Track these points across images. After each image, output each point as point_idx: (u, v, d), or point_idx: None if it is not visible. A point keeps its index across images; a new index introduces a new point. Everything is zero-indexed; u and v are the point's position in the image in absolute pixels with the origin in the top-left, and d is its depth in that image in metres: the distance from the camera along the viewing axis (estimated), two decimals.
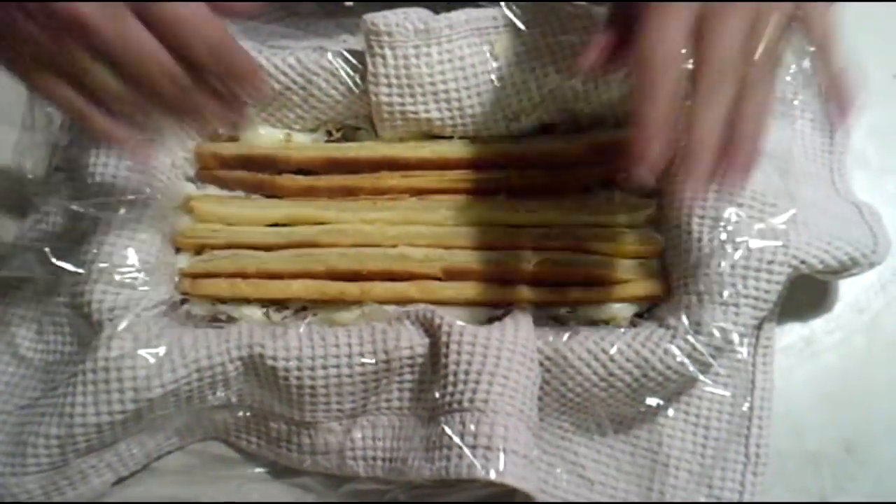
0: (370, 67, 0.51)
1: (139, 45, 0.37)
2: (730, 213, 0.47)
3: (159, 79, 0.38)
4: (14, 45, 0.36)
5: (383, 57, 0.51)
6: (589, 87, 0.52)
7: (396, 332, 0.46)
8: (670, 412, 0.48)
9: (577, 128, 0.54)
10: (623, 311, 0.49)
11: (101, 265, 0.47)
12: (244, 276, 0.50)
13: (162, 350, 0.45)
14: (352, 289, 0.49)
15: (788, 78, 0.54)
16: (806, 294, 0.52)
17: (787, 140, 0.53)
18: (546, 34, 0.52)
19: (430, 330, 0.46)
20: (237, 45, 0.38)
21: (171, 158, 0.52)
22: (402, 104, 0.52)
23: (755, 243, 0.46)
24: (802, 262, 0.46)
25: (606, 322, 0.49)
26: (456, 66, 0.51)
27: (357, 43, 0.54)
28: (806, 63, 0.57)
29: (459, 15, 0.52)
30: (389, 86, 0.51)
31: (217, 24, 0.38)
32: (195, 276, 0.51)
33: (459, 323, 0.45)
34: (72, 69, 0.37)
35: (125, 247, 0.48)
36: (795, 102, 0.54)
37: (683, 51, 0.36)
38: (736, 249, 0.46)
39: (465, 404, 0.43)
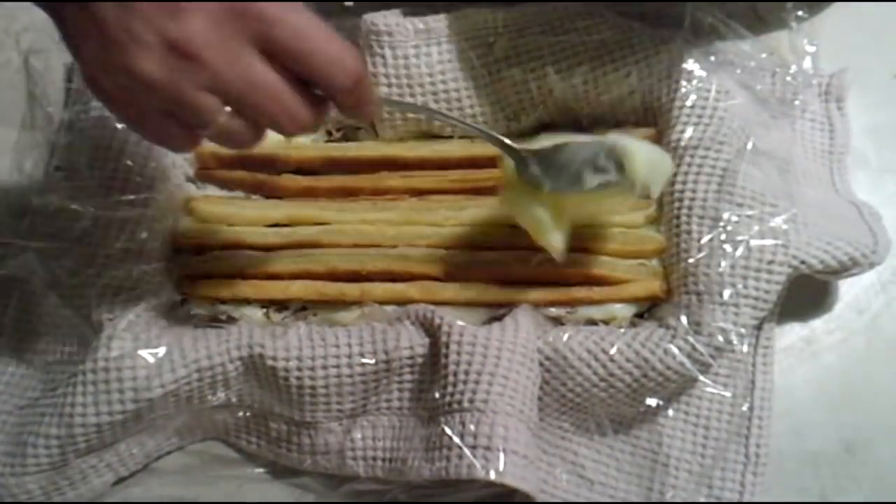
0: (370, 67, 0.51)
1: (265, 88, 0.36)
2: (730, 213, 0.47)
3: (281, 118, 0.37)
4: (137, 95, 0.35)
5: (383, 56, 0.51)
6: (589, 86, 0.52)
7: (396, 332, 0.46)
8: (670, 412, 0.48)
9: (577, 128, 0.54)
10: (623, 311, 0.49)
11: (101, 265, 0.47)
12: (244, 276, 0.50)
13: (162, 350, 0.45)
14: (352, 289, 0.49)
15: (788, 78, 0.54)
16: (806, 294, 0.52)
17: (788, 140, 0.53)
18: (546, 34, 0.52)
19: (430, 330, 0.46)
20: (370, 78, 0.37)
21: (171, 158, 0.52)
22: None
23: (755, 243, 0.46)
24: (802, 262, 0.46)
25: (606, 322, 0.49)
26: (456, 67, 0.51)
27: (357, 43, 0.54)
28: (806, 63, 0.57)
29: (459, 15, 0.52)
30: (389, 85, 0.51)
31: (358, 60, 0.37)
32: (195, 276, 0.51)
33: (459, 323, 0.45)
34: (188, 114, 0.36)
35: (125, 247, 0.48)
36: (795, 102, 0.54)
37: None
38: (736, 249, 0.46)
39: (465, 404, 0.43)
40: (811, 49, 0.57)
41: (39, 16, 0.58)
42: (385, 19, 0.51)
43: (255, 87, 0.35)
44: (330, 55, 0.36)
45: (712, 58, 0.52)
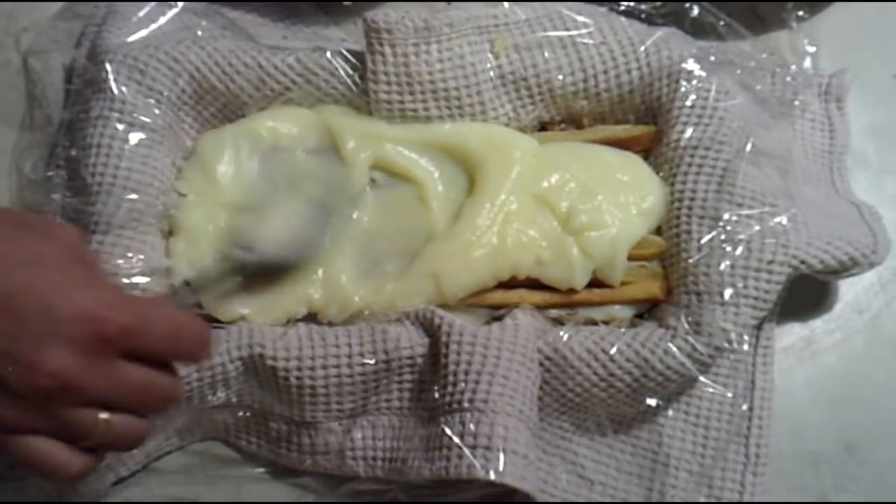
0: (370, 65, 0.51)
1: (140, 387, 0.36)
2: (730, 212, 0.47)
3: (160, 405, 0.38)
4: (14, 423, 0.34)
5: (383, 55, 0.51)
6: (589, 84, 0.52)
7: (396, 332, 0.46)
8: (670, 412, 0.48)
9: (577, 126, 0.54)
10: (623, 311, 0.49)
11: (101, 265, 0.47)
12: None
13: None
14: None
15: (788, 78, 0.54)
16: (806, 294, 0.52)
17: (788, 140, 0.53)
18: (546, 31, 0.52)
19: (430, 330, 0.46)
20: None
21: (170, 158, 0.52)
22: (402, 102, 0.52)
23: (755, 243, 0.46)
24: (802, 262, 0.46)
25: (606, 322, 0.49)
26: (456, 64, 0.51)
27: (356, 43, 0.54)
28: (806, 63, 0.57)
29: (460, 13, 0.52)
30: (389, 83, 0.51)
31: (205, 331, 0.38)
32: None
33: (459, 323, 0.45)
34: (68, 431, 0.35)
35: (125, 247, 0.48)
36: (795, 102, 0.55)
37: None
38: (736, 249, 0.46)
39: (465, 404, 0.43)
40: (811, 49, 0.57)
41: (39, 16, 0.59)
42: (385, 17, 0.51)
43: (131, 389, 0.36)
44: (186, 341, 0.37)
45: (712, 58, 0.52)
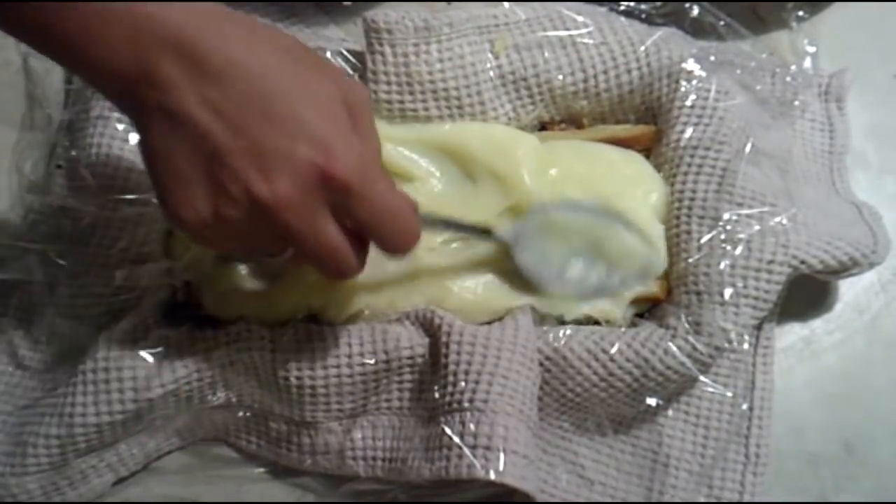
0: (370, 65, 0.51)
1: (330, 248, 0.38)
2: (729, 212, 0.47)
3: (332, 271, 0.39)
4: (215, 228, 0.37)
5: (383, 54, 0.51)
6: (589, 84, 0.52)
7: (396, 332, 0.46)
8: (670, 412, 0.48)
9: (576, 126, 0.54)
10: (623, 311, 0.49)
11: (101, 265, 0.47)
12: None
13: (162, 350, 0.45)
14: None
15: (788, 78, 0.54)
16: (806, 294, 0.52)
17: (788, 140, 0.53)
18: (546, 31, 0.52)
19: (430, 330, 0.46)
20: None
21: None
22: (402, 102, 0.52)
23: (755, 243, 0.46)
24: (802, 262, 0.46)
25: (606, 322, 0.49)
26: (456, 64, 0.51)
27: (356, 43, 0.54)
28: (806, 63, 0.57)
29: (459, 13, 0.52)
30: (389, 83, 0.51)
31: (418, 229, 0.40)
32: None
33: (459, 322, 0.45)
34: (258, 249, 0.39)
35: (125, 246, 0.48)
36: (795, 102, 0.55)
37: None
38: (735, 249, 0.46)
39: (465, 404, 0.43)
40: (811, 49, 0.57)
41: None
42: (385, 17, 0.51)
43: (321, 247, 0.38)
44: (398, 231, 0.39)
45: (712, 58, 0.52)
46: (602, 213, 0.48)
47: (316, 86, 0.37)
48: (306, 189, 0.35)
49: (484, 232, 0.47)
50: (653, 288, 0.49)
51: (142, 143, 0.37)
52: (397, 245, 0.39)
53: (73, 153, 0.50)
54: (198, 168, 0.35)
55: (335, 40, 0.57)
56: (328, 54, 0.52)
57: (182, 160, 0.35)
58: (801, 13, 0.58)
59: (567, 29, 0.52)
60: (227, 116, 0.35)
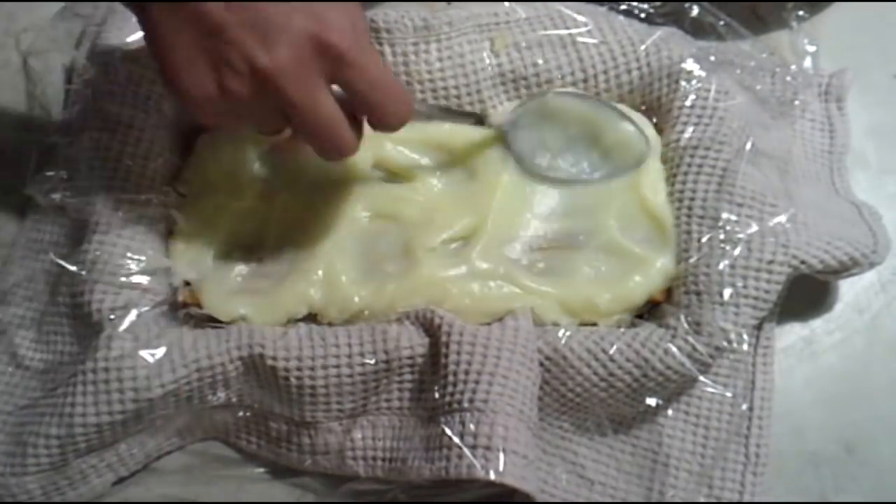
0: None
1: (326, 120, 0.40)
2: (729, 212, 0.47)
3: (329, 148, 0.41)
4: (219, 104, 0.39)
5: (382, 54, 0.51)
6: (589, 84, 0.52)
7: (396, 332, 0.46)
8: (670, 412, 0.48)
9: None
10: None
11: (101, 265, 0.47)
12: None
13: (162, 350, 0.45)
14: None
15: (788, 78, 0.54)
16: (806, 294, 0.52)
17: (788, 140, 0.53)
18: (547, 30, 0.52)
19: (430, 330, 0.46)
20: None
21: (169, 158, 0.52)
22: None
23: (755, 243, 0.46)
24: (802, 262, 0.46)
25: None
26: (455, 63, 0.51)
27: None
28: (806, 63, 0.57)
29: (459, 12, 0.52)
30: None
31: (412, 104, 0.42)
32: None
33: (459, 323, 0.45)
34: (260, 123, 0.41)
35: (125, 247, 0.48)
36: (795, 102, 0.55)
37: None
38: (735, 249, 0.46)
39: (465, 404, 0.43)
40: (811, 49, 0.57)
41: (39, 16, 0.59)
42: (385, 16, 0.51)
43: (319, 117, 0.39)
44: (391, 104, 0.41)
45: (712, 58, 0.52)
46: (597, 102, 0.51)
47: None
48: (304, 57, 0.38)
49: (479, 120, 0.48)
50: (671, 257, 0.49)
51: (146, 31, 0.39)
52: (392, 114, 0.41)
53: (73, 153, 0.50)
54: (200, 45, 0.37)
55: None
56: None
57: (185, 39, 0.37)
58: (801, 13, 0.58)
59: (567, 28, 0.52)
60: None
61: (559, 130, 0.51)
